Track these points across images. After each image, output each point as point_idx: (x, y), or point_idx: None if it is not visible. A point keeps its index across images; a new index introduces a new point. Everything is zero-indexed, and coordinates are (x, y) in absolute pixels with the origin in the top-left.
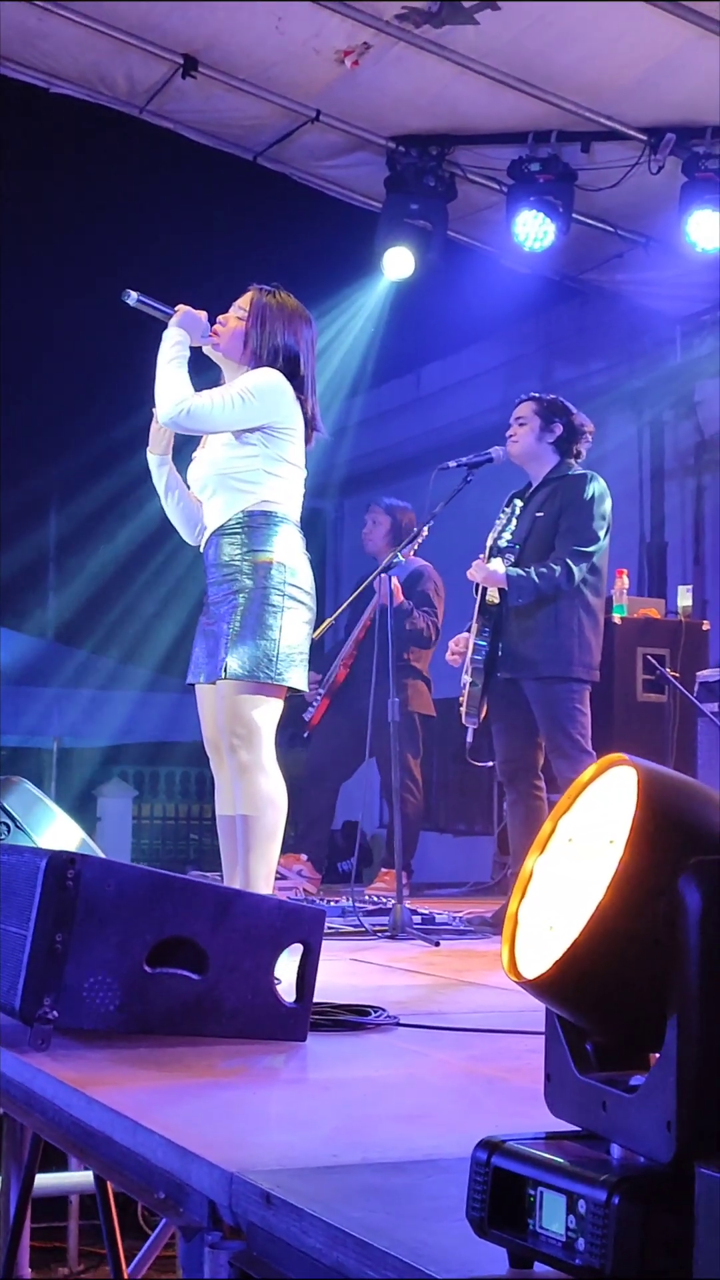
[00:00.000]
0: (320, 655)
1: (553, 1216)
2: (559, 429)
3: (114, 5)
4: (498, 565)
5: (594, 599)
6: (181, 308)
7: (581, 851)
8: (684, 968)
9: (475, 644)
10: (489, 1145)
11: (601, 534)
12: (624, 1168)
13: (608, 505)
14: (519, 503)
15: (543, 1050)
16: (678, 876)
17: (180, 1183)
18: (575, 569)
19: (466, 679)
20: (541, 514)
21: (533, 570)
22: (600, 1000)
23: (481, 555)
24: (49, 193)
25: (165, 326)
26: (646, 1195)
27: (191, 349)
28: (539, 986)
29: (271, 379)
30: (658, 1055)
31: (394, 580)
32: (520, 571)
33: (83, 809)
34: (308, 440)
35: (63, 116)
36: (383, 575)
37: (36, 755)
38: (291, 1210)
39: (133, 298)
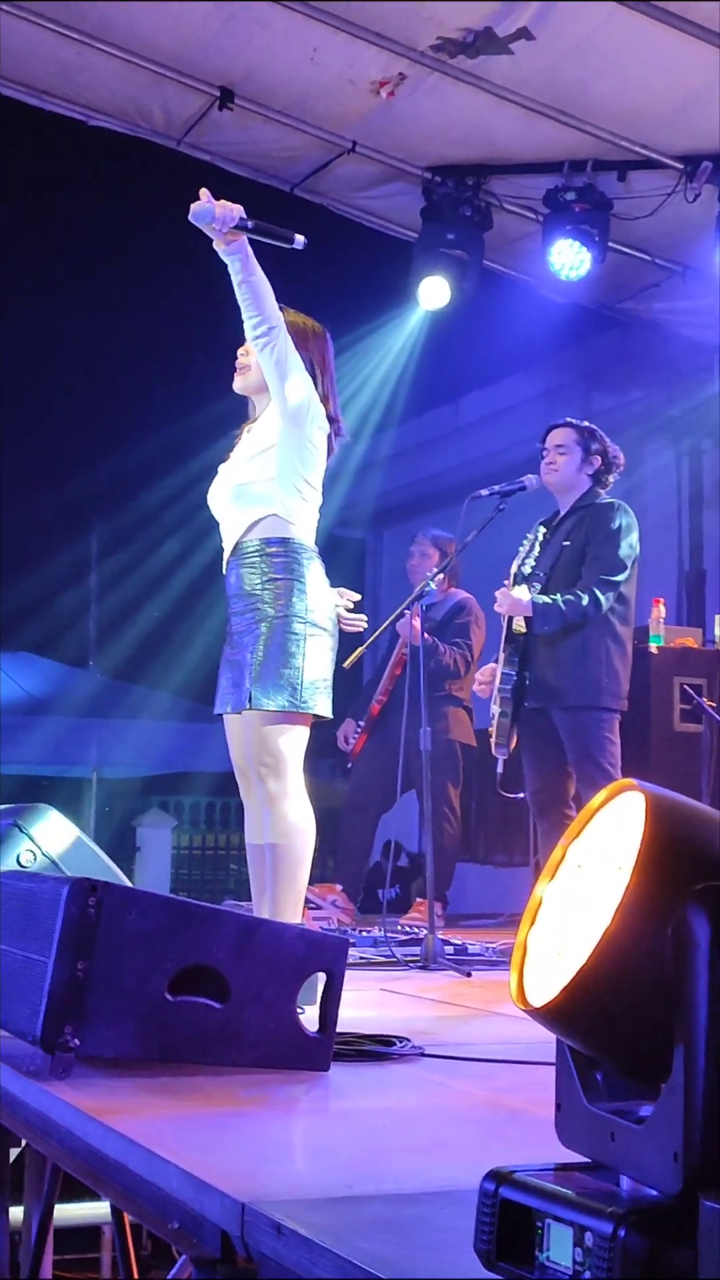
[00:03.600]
0: (360, 688)
1: (560, 1249)
2: (598, 461)
3: (151, 38)
4: (523, 593)
5: (622, 628)
6: (221, 211)
7: (590, 877)
8: (691, 996)
9: (503, 673)
10: (497, 1176)
11: (629, 563)
12: (632, 1200)
13: (635, 535)
14: (542, 530)
15: None
16: (686, 903)
17: (194, 1213)
18: (602, 598)
19: (495, 709)
20: (569, 542)
21: (559, 598)
22: (608, 1028)
23: (506, 583)
24: (88, 223)
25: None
26: (654, 1228)
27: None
28: (546, 1014)
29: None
30: (666, 1084)
31: (414, 622)
32: (546, 599)
33: (122, 839)
34: (331, 446)
35: (101, 148)
36: (409, 609)
37: (76, 785)
38: (302, 1241)
39: (250, 224)
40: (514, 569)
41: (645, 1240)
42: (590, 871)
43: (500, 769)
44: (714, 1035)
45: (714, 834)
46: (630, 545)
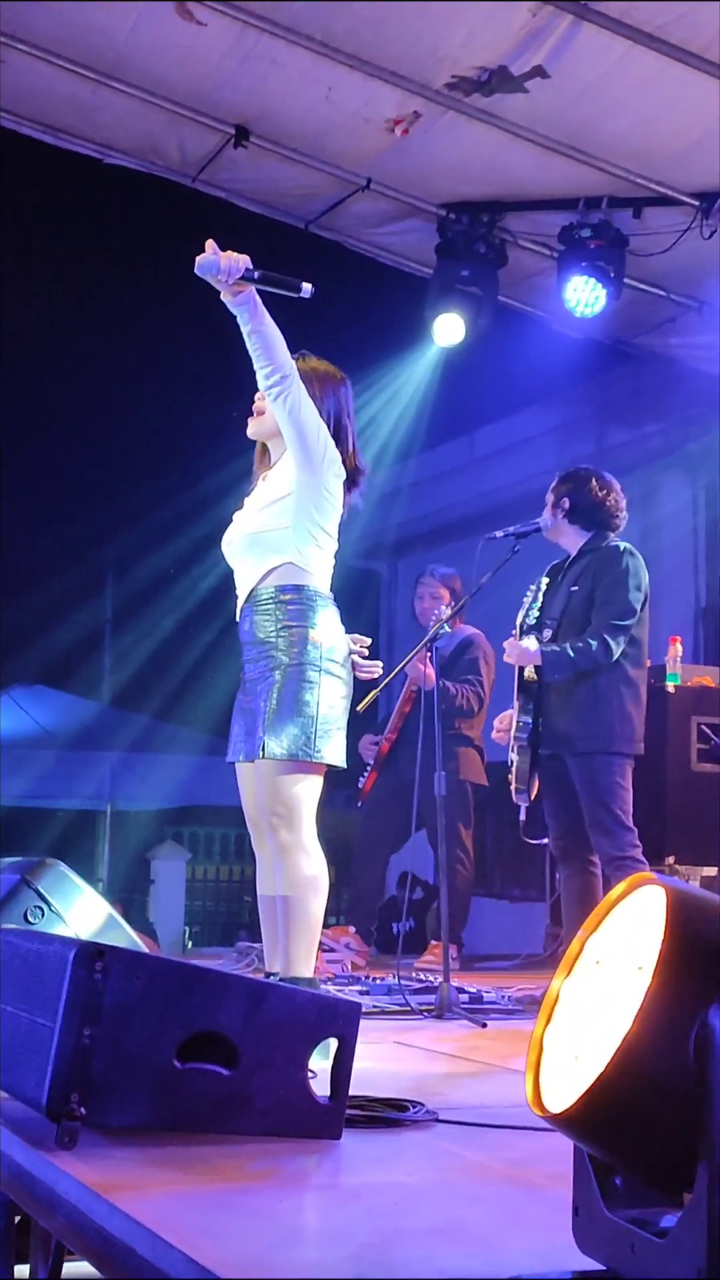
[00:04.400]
0: (374, 724)
1: None
2: (566, 503)
3: (166, 77)
4: (530, 643)
5: (634, 671)
6: (223, 267)
7: (609, 975)
8: (715, 1106)
9: (519, 720)
10: None
11: (638, 605)
12: None
13: (643, 577)
14: (545, 581)
15: None
16: (709, 1007)
17: None
18: (612, 643)
19: (513, 756)
20: (577, 588)
21: (568, 645)
22: (627, 1138)
23: (514, 634)
24: (104, 260)
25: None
26: None
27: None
28: (564, 1122)
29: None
30: (690, 1194)
31: (428, 671)
32: (555, 648)
33: (136, 872)
34: (349, 490)
35: (116, 186)
36: (425, 653)
37: (91, 818)
38: None
39: (255, 274)
40: (519, 620)
41: None
42: (609, 969)
43: (523, 815)
44: None
45: None
46: (638, 587)
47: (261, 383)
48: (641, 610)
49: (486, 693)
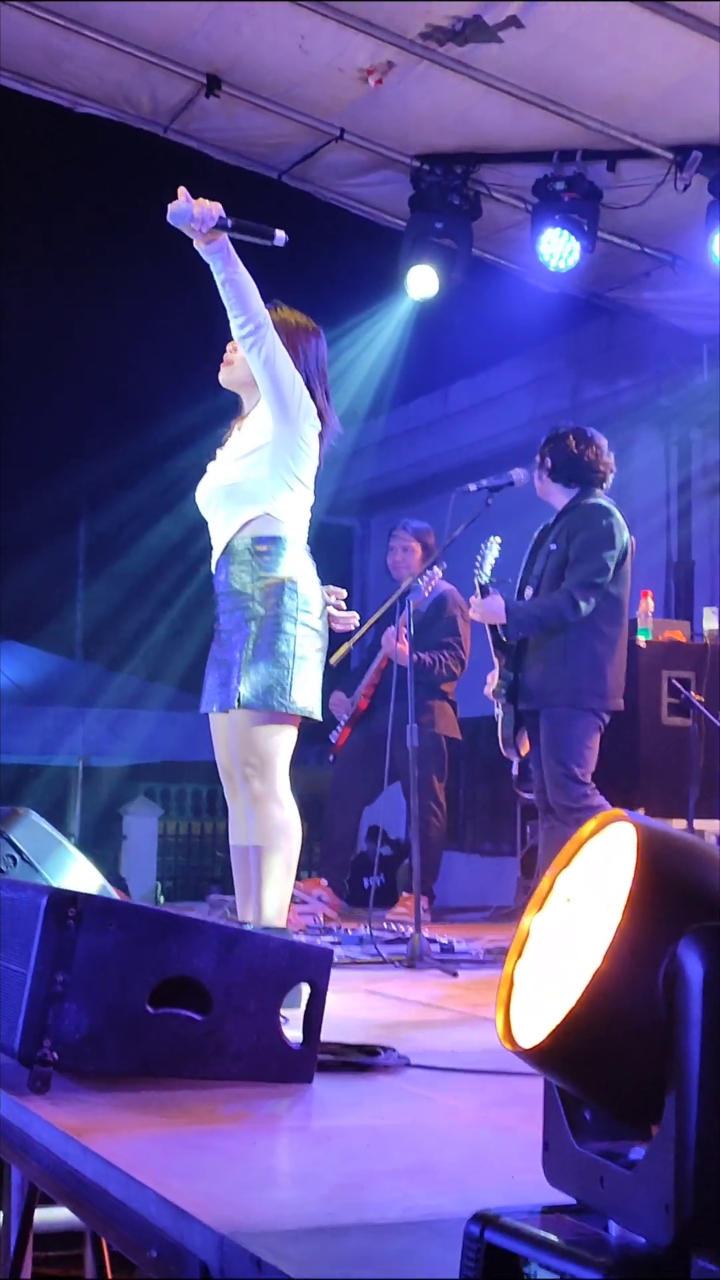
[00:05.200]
0: (347, 674)
1: None
2: (549, 462)
3: (138, 25)
4: (495, 602)
5: (609, 628)
6: (196, 215)
7: (580, 912)
8: (684, 1040)
9: (501, 676)
10: (482, 1220)
11: (610, 563)
12: (621, 1249)
13: (619, 534)
14: (535, 538)
15: None
16: (678, 943)
17: (172, 1242)
18: (581, 601)
19: (498, 712)
20: (555, 547)
21: (534, 603)
22: (597, 1072)
23: (474, 596)
24: (74, 210)
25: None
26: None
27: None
28: (535, 1056)
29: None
30: (658, 1127)
31: (400, 646)
32: (521, 604)
33: (108, 827)
34: (323, 441)
35: (87, 135)
36: (400, 628)
37: (62, 774)
38: (282, 1278)
39: (229, 222)
40: (475, 580)
41: None
42: (579, 906)
43: (514, 770)
44: (707, 1081)
45: (707, 871)
46: (611, 545)
47: (235, 332)
48: (618, 567)
49: (466, 651)
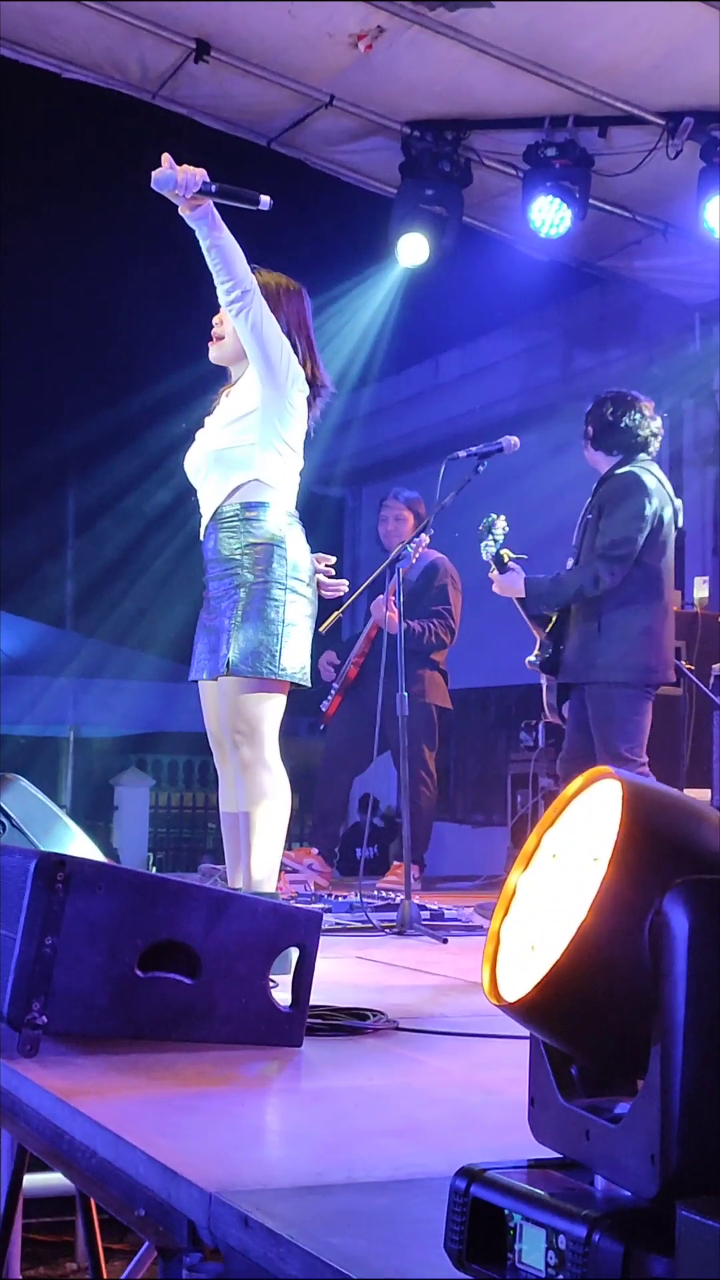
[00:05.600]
0: (339, 641)
1: (533, 1251)
2: (589, 430)
3: None
4: (514, 577)
5: (645, 600)
6: (180, 180)
7: (565, 868)
8: (669, 993)
9: (540, 647)
10: (468, 1174)
11: (636, 533)
12: (607, 1201)
13: (645, 502)
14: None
15: None
16: (663, 896)
17: (160, 1201)
18: (602, 573)
19: (543, 680)
20: (590, 516)
21: (553, 577)
22: (583, 1025)
23: (491, 570)
24: (63, 177)
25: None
26: (628, 1232)
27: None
28: (519, 1010)
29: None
30: (643, 1081)
31: (390, 614)
32: (539, 578)
33: (100, 798)
34: (317, 400)
35: (76, 102)
36: (389, 595)
37: (53, 744)
38: (269, 1235)
39: (213, 187)
40: (485, 554)
41: (619, 1245)
42: (565, 862)
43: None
44: (692, 1034)
45: (692, 825)
46: (639, 515)
47: (222, 298)
48: (654, 537)
49: (456, 620)
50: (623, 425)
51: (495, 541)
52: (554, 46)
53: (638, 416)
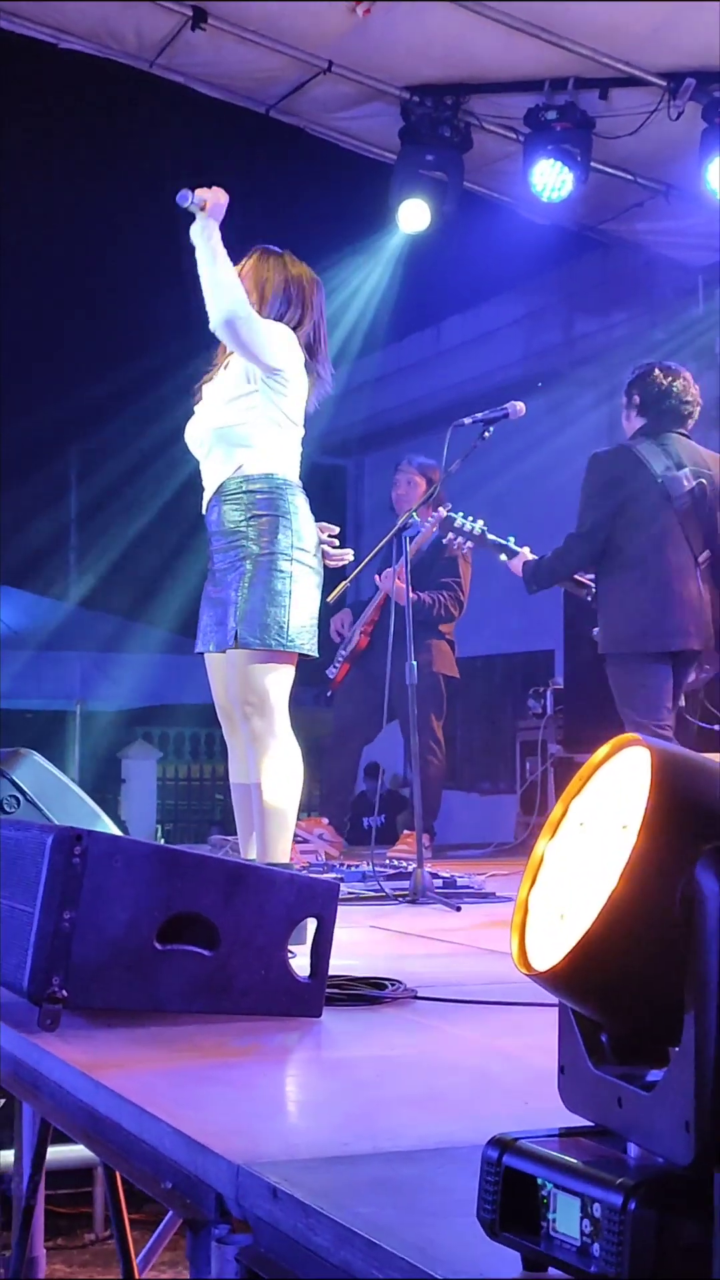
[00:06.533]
0: (350, 604)
1: (567, 1220)
2: (627, 401)
3: None
4: (516, 561)
5: (625, 571)
6: (205, 197)
7: (593, 836)
8: (702, 959)
9: None
10: (500, 1144)
11: (595, 510)
12: (641, 1169)
13: (604, 480)
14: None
15: None
16: (695, 863)
17: (187, 1174)
18: (565, 553)
19: None
20: None
21: (538, 559)
22: (615, 993)
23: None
24: (60, 149)
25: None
26: (664, 1200)
27: None
28: (550, 979)
29: (280, 328)
30: (676, 1049)
31: (399, 583)
32: (531, 560)
33: (107, 772)
34: (315, 390)
35: (72, 72)
36: (399, 567)
37: (60, 719)
38: (298, 1206)
39: (190, 199)
40: (489, 546)
41: (655, 1213)
42: (593, 830)
43: None
44: None
45: None
46: (594, 493)
47: (211, 323)
48: (623, 511)
49: (465, 592)
50: (639, 402)
51: (481, 528)
52: (553, 8)
53: (657, 394)
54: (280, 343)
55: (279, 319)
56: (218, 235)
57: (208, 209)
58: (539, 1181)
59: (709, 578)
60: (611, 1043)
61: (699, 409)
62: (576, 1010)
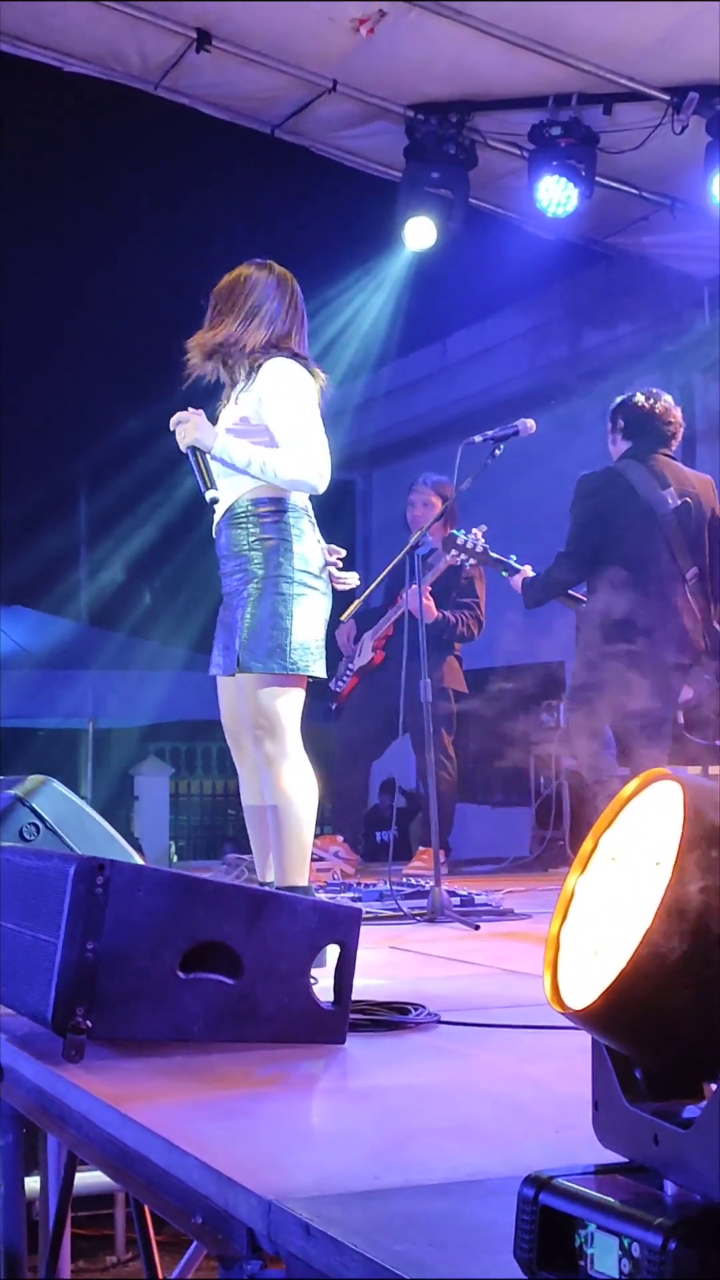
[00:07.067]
0: (364, 615)
1: (605, 1259)
2: (621, 423)
3: None
4: (517, 579)
5: (605, 592)
6: (185, 429)
7: (626, 871)
8: None
9: None
10: (536, 1182)
11: (578, 531)
12: (679, 1208)
13: (583, 504)
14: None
15: (589, 1048)
16: None
17: (218, 1209)
18: (555, 571)
19: None
20: None
21: (533, 577)
22: (650, 1030)
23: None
24: (67, 173)
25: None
26: (703, 1238)
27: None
28: (586, 1018)
29: (292, 372)
30: (713, 1085)
31: (426, 601)
32: (530, 578)
33: (120, 789)
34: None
35: (78, 95)
36: (425, 586)
37: (73, 737)
38: (331, 1243)
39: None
40: (495, 567)
41: (695, 1252)
42: (625, 865)
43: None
44: None
45: None
46: (579, 518)
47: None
48: (603, 531)
49: (484, 610)
50: (617, 432)
51: (481, 546)
52: (556, 25)
53: (627, 422)
54: (310, 412)
55: (274, 333)
56: (224, 445)
57: (191, 440)
58: (576, 1220)
59: (698, 592)
60: (646, 1079)
61: (681, 430)
62: (609, 1046)
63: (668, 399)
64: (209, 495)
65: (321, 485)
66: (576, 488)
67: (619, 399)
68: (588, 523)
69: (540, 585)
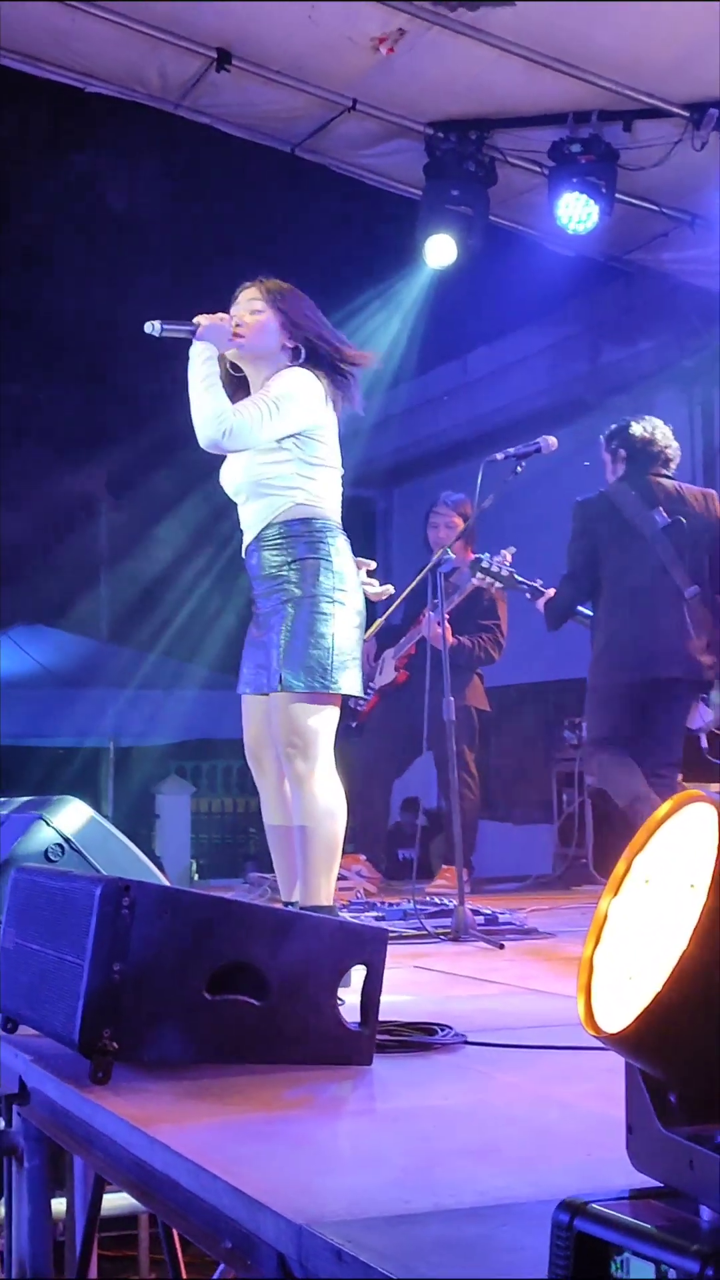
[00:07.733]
0: (387, 632)
1: None
2: (621, 451)
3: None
4: (540, 600)
5: (608, 608)
6: (201, 321)
7: (660, 894)
8: None
9: None
10: (571, 1207)
11: (572, 555)
12: (716, 1234)
13: (579, 526)
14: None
15: (616, 1068)
16: None
17: (247, 1233)
18: (559, 593)
19: None
20: None
21: (550, 597)
22: (686, 1055)
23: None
24: (90, 191)
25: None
26: None
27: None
28: (620, 1042)
29: (301, 379)
30: None
31: (443, 629)
32: (551, 597)
33: (141, 807)
34: (351, 384)
35: (100, 115)
36: (442, 613)
37: (94, 755)
38: (364, 1269)
39: (157, 328)
40: (522, 591)
41: None
42: (659, 887)
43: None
44: None
45: None
46: (573, 538)
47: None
48: (600, 552)
49: (504, 632)
50: (609, 458)
51: (507, 568)
52: (575, 42)
53: (616, 449)
54: (288, 411)
55: (309, 343)
56: (204, 360)
57: (201, 332)
58: (612, 1247)
59: (699, 607)
60: (681, 1102)
61: (678, 452)
62: (644, 1070)
63: (660, 423)
64: (155, 324)
65: (222, 445)
66: (573, 512)
67: (613, 426)
68: (582, 546)
69: (551, 608)
